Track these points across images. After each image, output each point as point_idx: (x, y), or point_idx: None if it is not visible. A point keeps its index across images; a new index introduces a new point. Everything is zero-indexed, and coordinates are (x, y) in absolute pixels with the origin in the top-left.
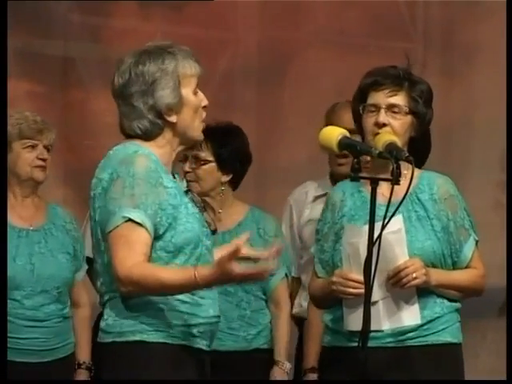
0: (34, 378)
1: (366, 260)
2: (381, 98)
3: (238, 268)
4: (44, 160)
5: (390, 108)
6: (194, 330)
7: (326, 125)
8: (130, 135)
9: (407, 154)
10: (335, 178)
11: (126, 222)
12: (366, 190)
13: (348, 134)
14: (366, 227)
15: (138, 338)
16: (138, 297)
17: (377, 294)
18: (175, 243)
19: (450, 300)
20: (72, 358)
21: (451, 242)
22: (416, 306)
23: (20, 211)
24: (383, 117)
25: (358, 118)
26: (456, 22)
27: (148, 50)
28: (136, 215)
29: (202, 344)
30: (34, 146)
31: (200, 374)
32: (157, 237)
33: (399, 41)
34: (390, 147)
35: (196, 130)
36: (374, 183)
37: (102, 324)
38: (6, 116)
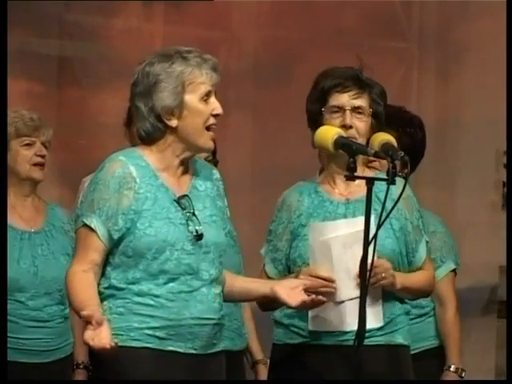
0: (35, 378)
1: (362, 259)
2: (345, 99)
3: (86, 336)
4: (42, 156)
5: (355, 110)
6: (162, 333)
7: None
8: (140, 139)
9: (402, 154)
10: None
11: (83, 226)
12: (323, 190)
13: (344, 134)
14: (333, 223)
15: None
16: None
17: (344, 293)
18: (134, 248)
19: (402, 302)
20: (71, 358)
21: (408, 242)
22: (380, 309)
23: (21, 212)
24: (349, 119)
25: (315, 119)
26: (450, 22)
27: (164, 52)
28: (90, 220)
29: (176, 346)
30: (31, 144)
31: (175, 377)
32: (117, 242)
33: (394, 41)
34: (386, 147)
35: (201, 138)
36: (370, 183)
37: None
38: (6, 115)
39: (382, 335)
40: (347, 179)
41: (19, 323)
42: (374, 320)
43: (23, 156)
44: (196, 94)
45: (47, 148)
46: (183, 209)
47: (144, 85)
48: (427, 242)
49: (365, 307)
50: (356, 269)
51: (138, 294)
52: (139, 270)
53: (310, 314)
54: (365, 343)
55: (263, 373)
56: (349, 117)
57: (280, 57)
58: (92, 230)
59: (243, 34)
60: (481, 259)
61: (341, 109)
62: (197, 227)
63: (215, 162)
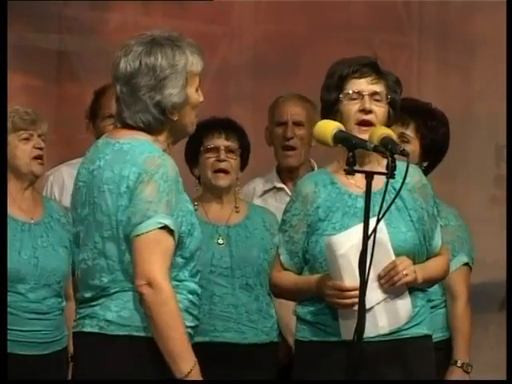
0: (35, 370)
1: (362, 253)
2: (364, 85)
3: None
4: (41, 149)
5: (373, 96)
6: (193, 332)
7: (270, 118)
8: (128, 125)
9: (402, 148)
10: (282, 171)
11: (160, 228)
12: (339, 181)
13: (343, 128)
14: (346, 233)
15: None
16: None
17: (371, 299)
18: (191, 249)
19: (423, 291)
20: (66, 350)
21: (425, 231)
22: (409, 305)
23: (20, 204)
24: (369, 103)
25: (331, 106)
26: (454, 15)
27: (157, 40)
28: (170, 222)
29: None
30: (28, 138)
31: None
32: (178, 244)
33: (396, 34)
34: (386, 141)
35: (192, 126)
36: (369, 177)
37: (109, 315)
38: (6, 111)
39: (408, 328)
40: (347, 173)
41: (19, 315)
42: (406, 316)
43: (22, 150)
44: (193, 87)
45: (44, 141)
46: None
47: (150, 78)
48: (441, 226)
49: (364, 302)
50: (376, 271)
51: (191, 292)
52: (186, 270)
53: (341, 323)
54: (393, 337)
55: None
56: (368, 101)
57: (280, 50)
58: (170, 232)
59: (243, 27)
60: (494, 255)
61: (359, 94)
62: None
63: (237, 153)
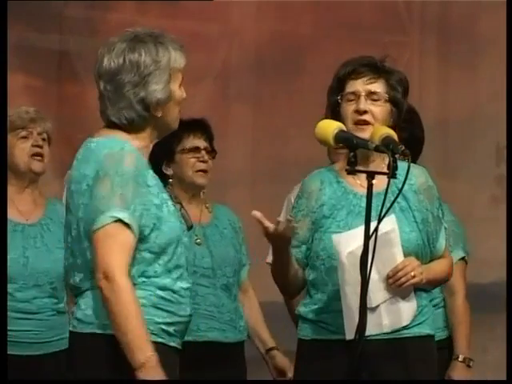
0: (27, 370)
1: (363, 252)
2: (360, 85)
3: None
4: (40, 147)
5: (370, 95)
6: (171, 329)
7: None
8: (112, 122)
9: (403, 148)
10: None
11: (115, 222)
12: (345, 180)
13: (344, 128)
14: (354, 231)
15: None
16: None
17: (377, 297)
18: (159, 244)
19: (426, 291)
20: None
21: (429, 232)
22: (414, 304)
23: (18, 204)
24: (364, 104)
25: (334, 108)
26: (457, 14)
27: (140, 37)
28: (125, 216)
29: (176, 343)
30: (27, 136)
31: (171, 374)
32: (142, 238)
33: (398, 33)
34: (387, 141)
35: (175, 122)
36: (370, 177)
37: (79, 314)
38: (7, 110)
39: (410, 327)
40: (348, 173)
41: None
42: (411, 316)
43: (20, 149)
44: (177, 83)
45: (46, 140)
46: (172, 199)
47: (134, 74)
48: (445, 228)
49: (365, 301)
50: (385, 271)
51: (161, 288)
52: (159, 265)
53: (346, 323)
54: (393, 336)
55: (279, 357)
56: (363, 102)
57: (281, 50)
58: (126, 225)
59: (245, 27)
60: (497, 255)
61: (356, 95)
62: (185, 218)
63: (213, 154)
